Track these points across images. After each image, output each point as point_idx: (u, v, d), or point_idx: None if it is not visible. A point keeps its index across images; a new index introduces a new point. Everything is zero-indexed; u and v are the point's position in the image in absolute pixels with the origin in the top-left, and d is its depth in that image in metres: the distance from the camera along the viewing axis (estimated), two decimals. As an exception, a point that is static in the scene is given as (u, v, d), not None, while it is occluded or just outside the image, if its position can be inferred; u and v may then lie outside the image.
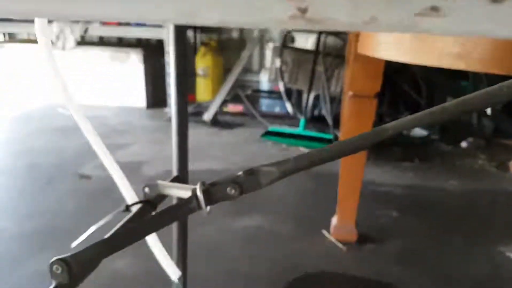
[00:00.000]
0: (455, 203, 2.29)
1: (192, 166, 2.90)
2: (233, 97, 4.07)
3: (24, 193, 2.26)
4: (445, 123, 3.27)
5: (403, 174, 2.65)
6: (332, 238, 1.86)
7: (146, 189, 0.75)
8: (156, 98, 4.23)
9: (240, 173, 0.61)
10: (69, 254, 0.54)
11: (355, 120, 1.70)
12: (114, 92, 4.16)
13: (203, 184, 0.62)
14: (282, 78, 3.55)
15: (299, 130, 3.32)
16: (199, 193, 0.62)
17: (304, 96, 3.57)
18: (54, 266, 0.53)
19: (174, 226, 0.94)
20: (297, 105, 3.65)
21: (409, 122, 0.52)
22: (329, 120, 3.17)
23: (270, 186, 2.13)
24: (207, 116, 3.77)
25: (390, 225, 2.01)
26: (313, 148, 3.04)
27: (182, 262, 0.96)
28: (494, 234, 1.93)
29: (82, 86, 4.08)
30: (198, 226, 1.91)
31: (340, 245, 1.82)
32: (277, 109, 4.12)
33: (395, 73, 3.39)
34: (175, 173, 1.02)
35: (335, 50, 3.40)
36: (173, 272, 0.84)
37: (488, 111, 3.04)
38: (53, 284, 0.54)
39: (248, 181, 0.60)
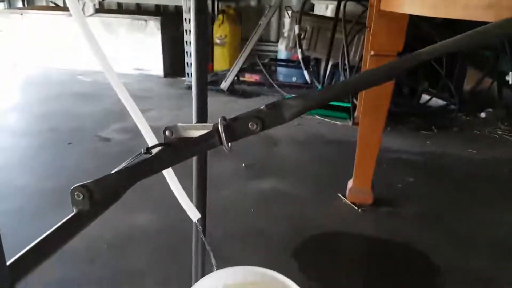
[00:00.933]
0: (473, 170, 2.25)
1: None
2: (250, 66, 4.04)
3: (45, 154, 2.31)
4: (465, 95, 3.19)
5: (421, 142, 2.62)
6: (347, 201, 1.86)
7: (167, 132, 0.74)
8: (174, 67, 4.22)
9: (262, 107, 0.60)
10: (90, 180, 0.55)
11: (373, 93, 1.67)
12: (132, 60, 4.16)
13: (224, 119, 0.62)
14: (301, 46, 3.48)
15: (317, 98, 3.27)
16: (220, 128, 0.61)
17: (322, 64, 3.51)
18: (75, 193, 0.54)
19: (194, 171, 0.94)
20: (315, 73, 3.59)
21: (440, 48, 0.50)
22: (347, 88, 3.10)
23: (287, 152, 2.16)
24: (224, 84, 3.75)
25: (407, 190, 2.00)
26: (330, 116, 3.01)
27: (201, 206, 0.97)
28: (510, 199, 1.91)
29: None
30: (214, 188, 1.94)
31: (355, 207, 1.82)
32: (294, 79, 4.08)
33: (415, 41, 3.28)
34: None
35: (355, 17, 3.30)
36: (193, 214, 0.85)
37: (510, 80, 2.94)
38: (74, 211, 0.55)
39: (271, 115, 0.58)
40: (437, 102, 3.27)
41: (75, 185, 0.54)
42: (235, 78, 3.89)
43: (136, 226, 1.62)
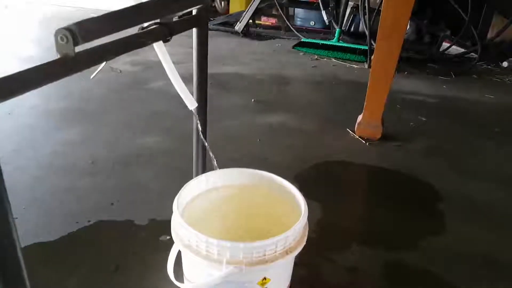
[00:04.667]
0: (487, 113, 2.18)
1: (220, 69, 2.88)
2: (267, 7, 3.90)
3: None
4: (488, 43, 3.04)
5: (438, 86, 2.53)
6: (355, 135, 1.83)
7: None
8: None
9: None
10: (72, 23, 0.53)
11: (393, 9, 1.59)
12: None
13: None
14: (319, -15, 3.33)
15: (334, 41, 3.18)
16: None
17: (342, 5, 3.38)
18: (59, 36, 0.52)
19: (194, 63, 0.91)
20: (333, 15, 3.46)
21: None
22: (367, 31, 2.99)
23: (298, 91, 2.11)
24: (238, 26, 3.65)
25: (418, 128, 1.96)
26: (347, 59, 2.93)
27: (201, 95, 0.94)
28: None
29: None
30: (222, 119, 1.92)
31: (363, 140, 1.79)
32: (311, 23, 3.95)
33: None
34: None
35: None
36: (190, 102, 0.83)
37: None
38: (58, 56, 0.53)
39: None
40: (457, 49, 3.14)
41: (59, 28, 0.52)
42: (251, 21, 3.78)
43: (143, 147, 1.63)
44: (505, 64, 2.95)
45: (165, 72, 0.85)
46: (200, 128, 0.90)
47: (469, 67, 2.89)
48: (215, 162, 0.94)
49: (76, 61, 0.54)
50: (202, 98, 0.92)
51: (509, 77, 2.74)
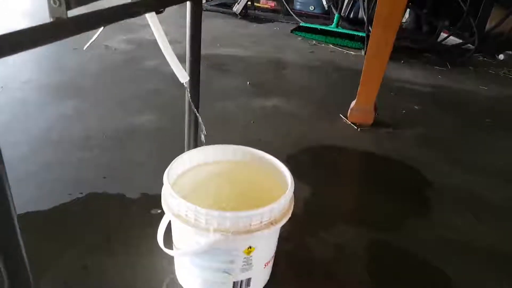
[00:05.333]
0: (480, 104, 2.20)
1: (217, 51, 2.87)
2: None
3: (51, 54, 2.31)
4: (485, 34, 3.05)
5: (433, 76, 2.55)
6: (348, 121, 1.85)
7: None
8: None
9: None
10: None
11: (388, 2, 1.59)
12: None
13: None
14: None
15: (332, 26, 3.17)
16: None
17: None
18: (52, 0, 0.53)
19: (188, 36, 0.92)
20: (333, 1, 3.44)
21: None
22: (365, 17, 2.99)
23: (294, 76, 2.12)
24: (237, 7, 3.63)
25: (410, 116, 1.98)
26: (345, 45, 2.93)
27: (193, 70, 0.95)
28: (517, 134, 1.88)
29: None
30: (217, 100, 1.93)
31: (355, 127, 1.81)
32: (311, 8, 3.93)
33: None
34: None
35: None
36: (182, 76, 0.84)
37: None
38: (50, 20, 0.54)
39: None
40: (455, 40, 3.14)
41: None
42: (249, 3, 3.76)
43: (137, 124, 1.64)
44: (501, 56, 2.96)
45: (160, 51, 0.86)
46: (191, 101, 0.91)
47: (465, 58, 2.90)
48: (203, 133, 0.95)
49: (68, 25, 0.55)
50: (195, 72, 0.93)
51: (504, 70, 2.76)
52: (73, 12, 0.56)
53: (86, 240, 1.02)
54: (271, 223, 0.77)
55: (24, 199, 1.13)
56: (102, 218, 1.11)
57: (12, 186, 0.51)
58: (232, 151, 0.97)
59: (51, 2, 0.53)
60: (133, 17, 0.69)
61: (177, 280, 0.92)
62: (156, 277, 0.93)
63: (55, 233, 1.04)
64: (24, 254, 0.56)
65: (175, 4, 0.76)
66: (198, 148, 0.94)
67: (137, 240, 1.03)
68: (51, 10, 0.54)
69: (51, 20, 0.54)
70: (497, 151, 1.72)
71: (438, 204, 1.31)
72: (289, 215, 0.81)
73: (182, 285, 0.90)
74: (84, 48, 2.16)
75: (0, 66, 1.98)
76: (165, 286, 0.91)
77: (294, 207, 0.83)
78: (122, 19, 0.65)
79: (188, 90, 0.90)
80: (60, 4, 0.53)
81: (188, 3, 0.86)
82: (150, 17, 0.80)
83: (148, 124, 1.65)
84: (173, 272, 0.94)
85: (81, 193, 1.19)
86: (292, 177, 0.85)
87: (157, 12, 0.77)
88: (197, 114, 0.93)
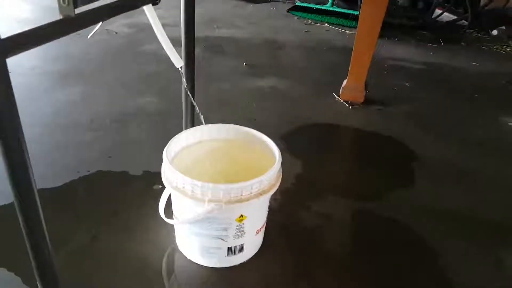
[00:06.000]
0: (470, 80, 2.27)
1: (214, 33, 2.91)
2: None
3: (55, 41, 2.37)
4: (480, 11, 3.08)
5: (426, 54, 2.61)
6: (340, 99, 1.93)
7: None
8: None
9: None
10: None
11: None
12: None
13: None
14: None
15: (327, 6, 3.21)
16: None
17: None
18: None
19: (182, 21, 0.99)
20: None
21: None
22: (359, -3, 3.02)
23: (290, 56, 2.20)
24: (235, -12, 3.65)
25: (401, 93, 2.05)
26: (340, 24, 2.96)
27: (188, 54, 1.03)
28: (502, 108, 1.95)
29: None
30: (214, 82, 2.01)
31: (346, 104, 1.89)
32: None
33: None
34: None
35: None
36: (177, 61, 0.92)
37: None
38: (60, 17, 0.62)
39: None
40: (450, 16, 3.18)
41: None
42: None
43: (138, 107, 1.72)
44: (494, 32, 3.00)
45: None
46: (186, 87, 0.99)
47: (458, 34, 2.94)
48: (202, 118, 1.04)
49: (76, 21, 0.63)
50: (189, 56, 1.01)
51: (497, 45, 2.81)
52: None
53: (95, 214, 1.12)
54: (260, 194, 0.86)
55: (36, 176, 1.22)
56: (109, 193, 1.21)
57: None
58: (226, 130, 1.06)
59: (61, 1, 0.61)
60: (131, 9, 0.77)
61: (177, 248, 1.02)
62: (159, 246, 1.03)
63: (65, 208, 1.15)
64: (45, 228, 0.66)
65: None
66: (195, 127, 1.03)
67: (141, 212, 1.13)
68: (61, 9, 0.62)
69: (61, 17, 0.62)
70: (480, 124, 1.80)
71: (420, 176, 1.40)
72: (277, 187, 0.90)
73: (182, 252, 1.01)
74: (88, 37, 2.23)
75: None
76: (166, 255, 1.01)
77: (286, 181, 0.92)
78: (122, 12, 0.73)
79: (183, 74, 0.98)
80: (68, 4, 0.61)
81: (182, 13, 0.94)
82: (147, 8, 0.88)
83: (148, 106, 1.73)
84: (173, 242, 1.04)
85: (88, 171, 1.29)
86: (279, 152, 0.94)
87: (154, 4, 0.85)
88: (192, 99, 1.01)
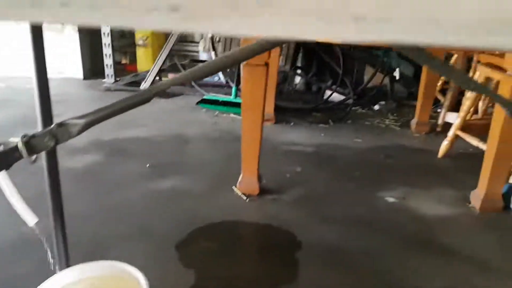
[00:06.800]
0: (354, 157, 2.57)
1: (119, 134, 3.00)
2: (171, 66, 4.18)
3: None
4: (363, 90, 3.55)
5: (316, 135, 2.92)
6: (239, 192, 2.09)
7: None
8: (94, 68, 4.27)
9: (53, 125, 0.76)
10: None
11: (251, 84, 1.91)
12: (50, 63, 4.15)
13: (24, 136, 0.76)
14: (214, 48, 3.68)
15: (232, 97, 3.50)
16: (20, 145, 0.75)
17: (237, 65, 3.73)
18: None
19: (46, 178, 1.10)
20: (230, 74, 3.81)
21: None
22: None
23: (196, 150, 2.38)
24: (144, 85, 3.87)
25: (293, 179, 2.27)
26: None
27: (57, 218, 1.12)
28: (380, 183, 2.23)
29: (16, 57, 4.06)
30: (111, 191, 2.05)
31: (244, 197, 2.05)
32: (215, 79, 4.27)
33: (320, 49, 3.63)
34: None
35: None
36: (30, 218, 0.93)
37: (397, 76, 3.33)
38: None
39: (61, 132, 0.75)
40: (340, 97, 3.61)
41: None
42: (157, 78, 4.02)
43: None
44: (376, 107, 3.45)
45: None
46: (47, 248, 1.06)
47: (346, 113, 3.34)
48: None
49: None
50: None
51: (378, 119, 3.22)
52: None
53: None
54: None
55: None
56: None
57: None
58: (100, 267, 1.13)
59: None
60: None
61: None
62: None
63: None
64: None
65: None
66: (66, 269, 1.10)
67: None
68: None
69: None
70: (360, 202, 2.04)
71: (306, 265, 1.56)
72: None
73: None
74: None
75: None
76: None
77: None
78: None
79: (37, 231, 1.03)
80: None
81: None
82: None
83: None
84: None
85: None
86: (147, 283, 1.03)
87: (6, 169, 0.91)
88: (46, 246, 1.07)
